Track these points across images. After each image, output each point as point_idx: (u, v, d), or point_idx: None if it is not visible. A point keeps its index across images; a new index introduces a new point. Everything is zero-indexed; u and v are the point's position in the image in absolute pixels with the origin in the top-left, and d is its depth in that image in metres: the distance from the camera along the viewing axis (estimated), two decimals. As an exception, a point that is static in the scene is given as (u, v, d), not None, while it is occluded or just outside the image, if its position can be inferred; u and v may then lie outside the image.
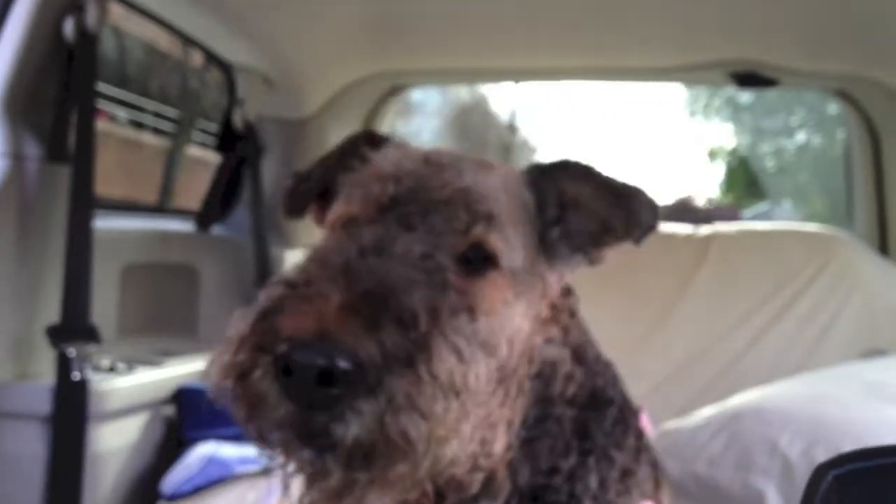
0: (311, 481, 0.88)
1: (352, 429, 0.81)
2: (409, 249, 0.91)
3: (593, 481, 1.09)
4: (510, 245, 1.00)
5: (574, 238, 1.10)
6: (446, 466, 0.89)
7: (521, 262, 1.01)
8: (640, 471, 1.14)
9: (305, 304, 0.84)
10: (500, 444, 1.05)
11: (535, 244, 1.05)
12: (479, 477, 1.04)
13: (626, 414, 1.17)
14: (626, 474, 1.12)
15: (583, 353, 1.16)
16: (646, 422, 1.24)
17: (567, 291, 1.15)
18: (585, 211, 1.08)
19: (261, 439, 0.89)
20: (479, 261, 0.97)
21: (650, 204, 1.07)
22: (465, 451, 0.91)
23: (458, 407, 0.86)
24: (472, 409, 0.89)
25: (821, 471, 1.01)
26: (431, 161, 1.04)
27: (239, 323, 0.88)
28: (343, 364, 0.79)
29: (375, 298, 0.84)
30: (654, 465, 1.19)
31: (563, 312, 1.13)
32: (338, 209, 1.04)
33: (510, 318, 0.99)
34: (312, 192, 1.16)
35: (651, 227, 1.07)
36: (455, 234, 0.96)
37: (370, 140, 1.16)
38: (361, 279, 0.86)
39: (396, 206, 0.97)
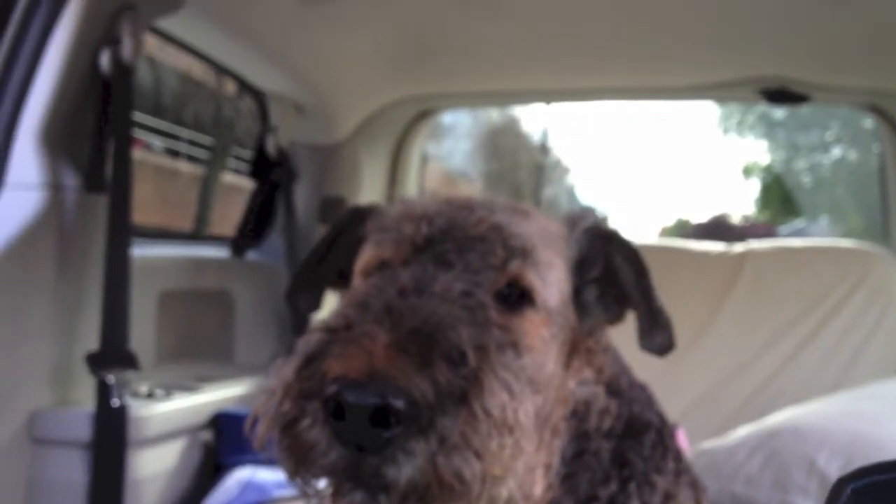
0: None
1: (405, 470, 0.79)
2: (448, 288, 0.90)
3: None
4: (546, 284, 0.99)
5: (606, 301, 1.10)
6: None
7: (555, 302, 1.00)
8: (682, 493, 1.13)
9: (352, 345, 0.82)
10: (539, 487, 1.04)
11: (570, 293, 1.05)
12: None
13: (665, 436, 1.16)
14: (668, 498, 1.11)
15: (617, 385, 1.15)
16: (682, 439, 1.23)
17: (601, 334, 1.15)
18: (622, 289, 1.09)
19: (309, 487, 0.88)
20: (515, 297, 0.96)
21: (668, 328, 1.08)
22: (519, 489, 0.89)
23: (511, 444, 0.85)
24: (524, 447, 0.88)
25: (840, 485, 1.00)
26: (459, 202, 1.04)
27: (281, 371, 0.87)
28: (397, 403, 0.78)
29: (423, 336, 0.83)
30: (695, 486, 1.18)
31: (596, 354, 1.13)
32: (367, 255, 1.04)
33: (548, 357, 0.99)
34: (321, 283, 1.18)
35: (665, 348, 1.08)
36: (492, 269, 0.95)
37: (361, 215, 1.15)
38: (406, 318, 0.84)
39: (431, 245, 0.96)
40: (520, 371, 0.89)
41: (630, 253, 1.09)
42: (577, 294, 1.06)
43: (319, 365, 0.83)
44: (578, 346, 1.08)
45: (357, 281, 1.05)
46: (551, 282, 1.00)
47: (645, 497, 1.09)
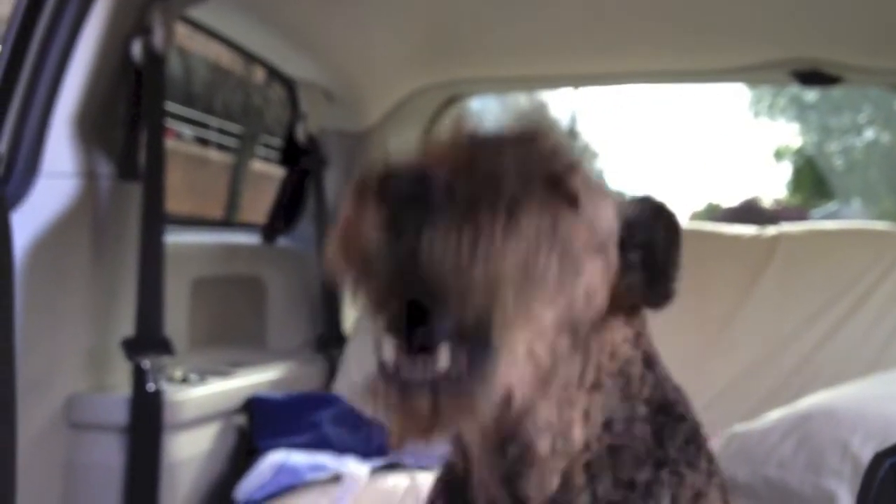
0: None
1: (441, 248, 0.77)
2: (498, 164, 0.86)
3: (666, 500, 1.06)
4: (592, 202, 0.95)
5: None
6: (542, 332, 0.86)
7: (602, 228, 0.97)
8: (712, 494, 1.11)
9: (405, 165, 0.82)
10: (577, 430, 1.01)
11: (616, 240, 1.02)
12: (558, 466, 1.00)
13: (699, 436, 1.14)
14: (699, 497, 1.08)
15: (653, 362, 1.14)
16: (714, 446, 1.21)
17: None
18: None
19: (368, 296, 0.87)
20: (560, 197, 0.92)
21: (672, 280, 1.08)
22: (526, 366, 0.87)
23: (530, 293, 0.82)
24: (540, 312, 0.85)
25: (879, 459, 1.00)
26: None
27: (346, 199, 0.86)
28: (438, 183, 0.78)
29: (475, 167, 0.82)
30: (724, 490, 1.16)
31: (634, 315, 1.12)
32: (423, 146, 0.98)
33: (591, 265, 0.95)
34: None
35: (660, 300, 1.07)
36: (544, 158, 0.92)
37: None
38: (461, 154, 0.84)
39: (484, 139, 0.92)
40: (558, 239, 0.86)
41: (671, 224, 1.09)
42: (622, 251, 1.05)
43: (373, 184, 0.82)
44: (619, 297, 1.06)
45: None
46: (601, 210, 0.98)
47: (675, 490, 1.07)
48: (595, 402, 1.03)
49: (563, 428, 1.00)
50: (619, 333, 1.06)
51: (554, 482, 1.01)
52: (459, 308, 0.80)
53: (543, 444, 0.99)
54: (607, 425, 1.04)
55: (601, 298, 0.99)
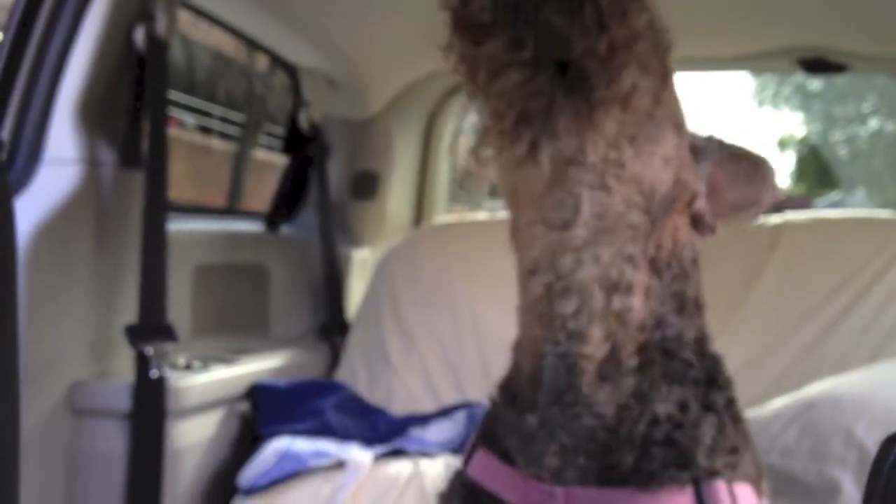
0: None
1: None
2: None
3: (707, 438, 1.02)
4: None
5: None
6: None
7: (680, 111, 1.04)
8: (746, 455, 1.10)
9: None
10: (636, 300, 1.00)
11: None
12: (609, 325, 0.99)
13: (738, 408, 1.14)
14: (734, 451, 1.05)
15: (701, 306, 1.11)
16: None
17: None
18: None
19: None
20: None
21: None
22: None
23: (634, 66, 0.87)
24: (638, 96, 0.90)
25: (890, 442, 1.00)
26: None
27: None
28: None
29: None
30: (756, 462, 1.15)
31: (699, 218, 1.11)
32: None
33: (670, 132, 1.01)
34: None
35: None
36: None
37: None
38: None
39: None
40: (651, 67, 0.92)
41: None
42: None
43: None
44: (689, 183, 1.06)
45: None
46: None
47: (716, 434, 1.03)
48: (653, 286, 1.02)
49: (623, 282, 0.99)
50: (682, 232, 1.07)
51: (603, 348, 1.00)
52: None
53: (600, 295, 0.98)
54: (660, 324, 1.03)
55: (672, 175, 1.02)
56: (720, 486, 1.01)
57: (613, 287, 0.98)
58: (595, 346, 0.99)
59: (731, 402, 1.09)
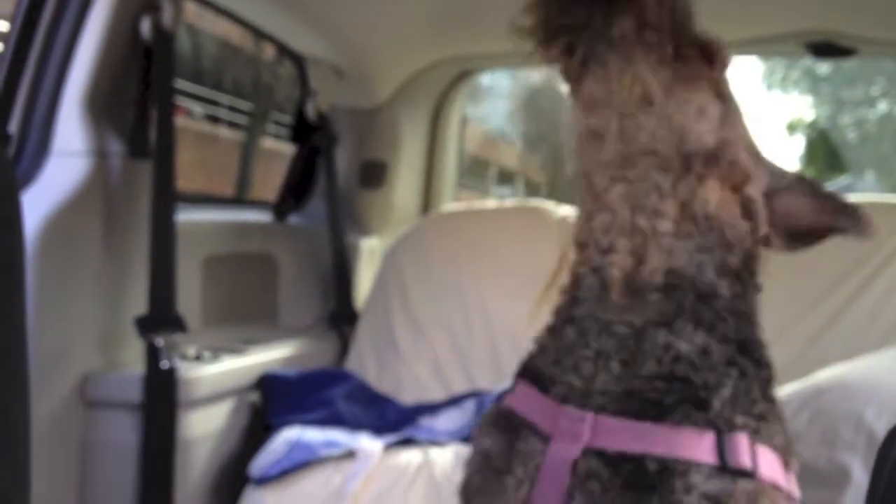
0: None
1: None
2: None
3: (727, 391, 1.06)
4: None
5: None
6: None
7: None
8: (775, 426, 1.09)
9: None
10: (664, 223, 1.09)
11: None
12: (634, 242, 1.08)
13: (773, 388, 1.15)
14: (760, 418, 1.08)
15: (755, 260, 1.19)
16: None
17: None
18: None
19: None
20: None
21: None
22: None
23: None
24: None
25: (893, 435, 1.00)
26: None
27: None
28: None
29: None
30: (788, 436, 1.15)
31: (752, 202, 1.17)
32: None
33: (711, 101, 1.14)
34: None
35: None
36: None
37: None
38: None
39: None
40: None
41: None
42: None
43: None
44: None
45: None
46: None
47: (738, 391, 1.07)
48: (687, 229, 1.09)
49: (649, 209, 1.08)
50: (728, 206, 1.12)
51: (629, 260, 1.08)
52: None
53: (626, 212, 1.08)
54: (696, 266, 1.09)
55: (711, 131, 1.12)
56: (742, 439, 1.03)
57: (639, 207, 1.07)
58: (622, 257, 1.07)
59: (766, 381, 1.12)
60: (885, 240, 2.43)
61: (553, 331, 1.16)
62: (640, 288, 1.07)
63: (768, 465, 1.05)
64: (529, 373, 1.17)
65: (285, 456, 2.04)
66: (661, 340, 1.06)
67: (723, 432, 1.03)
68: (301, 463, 2.02)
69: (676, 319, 1.07)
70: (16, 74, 1.95)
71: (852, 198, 2.66)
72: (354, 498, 1.95)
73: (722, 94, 1.17)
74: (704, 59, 1.17)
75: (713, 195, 1.11)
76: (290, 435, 2.11)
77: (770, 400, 1.12)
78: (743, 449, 1.03)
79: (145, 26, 2.02)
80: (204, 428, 2.09)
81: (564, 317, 1.14)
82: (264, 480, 2.01)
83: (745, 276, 1.16)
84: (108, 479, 1.97)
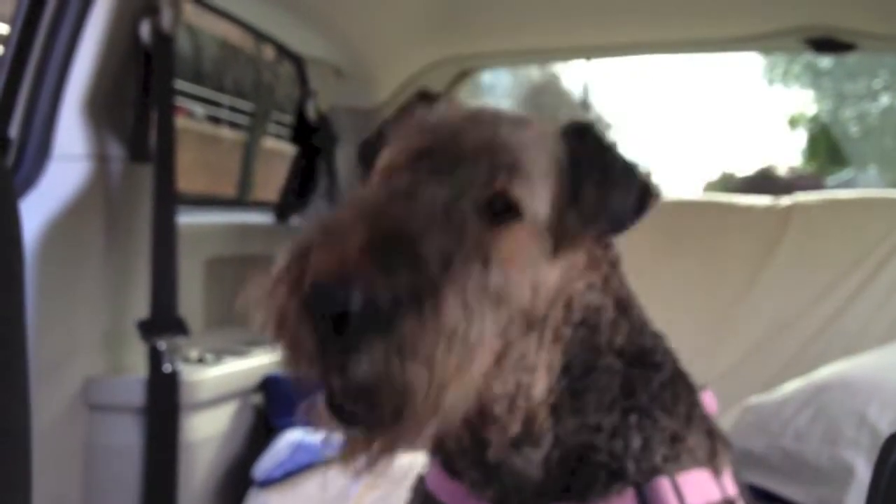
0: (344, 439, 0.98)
1: (359, 369, 0.85)
2: (434, 196, 0.95)
3: (636, 441, 1.08)
4: (535, 195, 1.01)
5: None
6: (451, 412, 0.91)
7: (546, 211, 1.02)
8: (692, 437, 1.12)
9: (329, 245, 0.88)
10: (539, 386, 1.07)
11: (567, 197, 1.05)
12: (518, 416, 1.07)
13: (678, 383, 1.16)
14: (675, 439, 1.10)
15: (626, 307, 1.15)
16: (708, 399, 1.21)
17: (606, 244, 1.15)
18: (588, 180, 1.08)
19: (300, 375, 0.95)
20: (502, 211, 0.99)
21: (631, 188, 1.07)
22: (473, 398, 0.95)
23: (461, 353, 0.88)
24: (477, 357, 0.91)
25: (893, 440, 1.00)
26: (471, 116, 1.07)
27: (277, 263, 0.95)
28: (354, 306, 0.83)
29: (394, 241, 0.88)
30: (711, 435, 1.16)
31: (602, 262, 1.13)
32: (383, 158, 1.08)
33: (533, 267, 1.01)
34: (376, 146, 1.16)
35: (623, 219, 1.06)
36: (479, 184, 0.98)
37: (425, 98, 1.20)
38: (384, 221, 0.90)
39: (430, 155, 1.01)
40: (483, 285, 0.93)
41: (605, 144, 1.09)
42: (577, 197, 1.06)
43: (304, 261, 0.90)
44: (581, 250, 1.09)
45: (372, 181, 1.10)
46: (542, 192, 1.02)
47: (647, 433, 1.09)
48: (556, 352, 1.08)
49: (525, 391, 1.06)
50: (578, 283, 1.09)
51: (514, 429, 1.07)
52: (379, 407, 0.89)
53: (500, 407, 1.06)
54: (567, 370, 1.09)
55: (556, 277, 1.05)
56: (662, 484, 1.06)
57: (512, 398, 1.06)
58: (503, 434, 1.08)
59: (664, 386, 1.13)
60: (887, 234, 2.43)
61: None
62: (525, 441, 1.09)
63: (696, 491, 1.08)
64: (441, 451, 1.19)
65: (288, 458, 2.04)
66: (556, 455, 1.09)
67: (643, 485, 1.06)
68: (304, 465, 2.02)
69: (564, 432, 1.09)
70: (16, 78, 1.95)
71: (854, 193, 2.68)
72: (357, 500, 1.95)
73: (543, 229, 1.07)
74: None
75: (566, 296, 1.10)
76: (294, 437, 2.11)
77: (677, 401, 1.14)
78: (665, 494, 1.06)
79: (145, 29, 2.02)
80: (207, 430, 2.10)
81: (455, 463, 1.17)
82: (268, 483, 2.01)
83: (622, 304, 1.15)
84: (112, 482, 1.97)
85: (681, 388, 1.15)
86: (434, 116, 1.09)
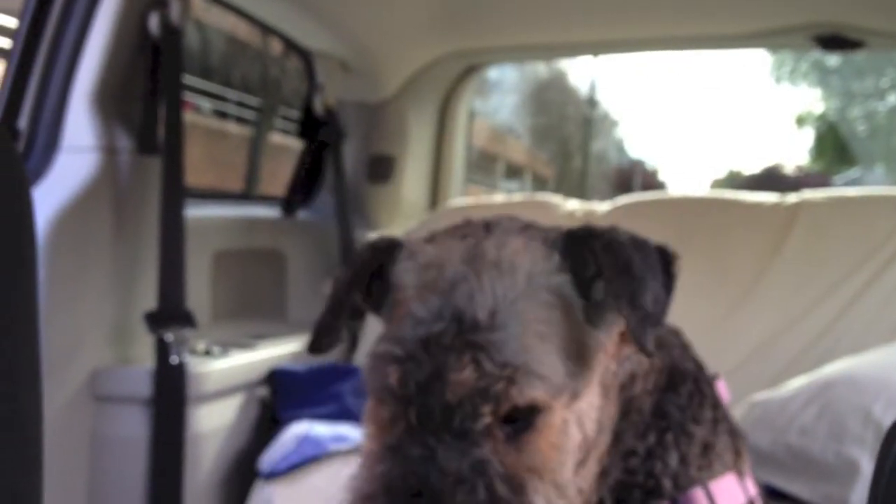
0: None
1: None
2: (448, 464, 0.91)
3: (673, 459, 1.10)
4: (547, 368, 0.96)
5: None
6: None
7: (563, 371, 0.97)
8: (720, 442, 1.14)
9: None
10: (590, 478, 1.07)
11: (580, 320, 1.02)
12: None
13: (702, 384, 1.16)
14: (707, 448, 1.12)
15: (661, 345, 1.14)
16: (723, 389, 1.22)
17: None
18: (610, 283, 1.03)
19: None
20: (522, 415, 0.95)
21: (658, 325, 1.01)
22: None
23: None
24: None
25: (893, 432, 1.00)
26: (443, 314, 0.97)
27: None
28: None
29: None
30: (733, 434, 1.18)
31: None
32: (368, 406, 1.04)
33: (577, 424, 1.00)
34: (336, 328, 1.13)
35: (647, 319, 0.99)
36: (486, 417, 0.93)
37: (381, 250, 1.11)
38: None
39: (421, 402, 0.95)
40: (541, 492, 0.94)
41: (607, 244, 1.03)
42: (587, 299, 1.03)
43: None
44: (608, 347, 1.05)
45: (370, 416, 1.04)
46: (551, 357, 0.97)
47: (683, 448, 1.11)
48: (604, 439, 1.09)
49: (581, 484, 1.05)
50: (613, 368, 1.08)
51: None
52: None
53: None
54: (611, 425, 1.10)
55: (598, 401, 1.04)
56: (697, 496, 1.09)
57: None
58: None
59: (692, 395, 1.14)
60: (893, 234, 2.42)
61: None
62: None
63: (726, 497, 1.11)
64: None
65: (294, 451, 2.05)
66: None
67: (677, 500, 1.09)
68: (310, 458, 2.02)
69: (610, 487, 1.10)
70: (24, 71, 1.96)
71: (862, 191, 2.67)
72: (364, 492, 1.95)
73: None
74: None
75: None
76: (299, 430, 2.11)
77: (704, 410, 1.15)
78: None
79: (153, 22, 2.03)
80: (213, 422, 2.10)
81: None
82: (274, 475, 2.02)
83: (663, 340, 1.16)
84: (119, 473, 1.98)
85: (705, 388, 1.16)
86: (397, 342, 0.99)
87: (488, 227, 1.08)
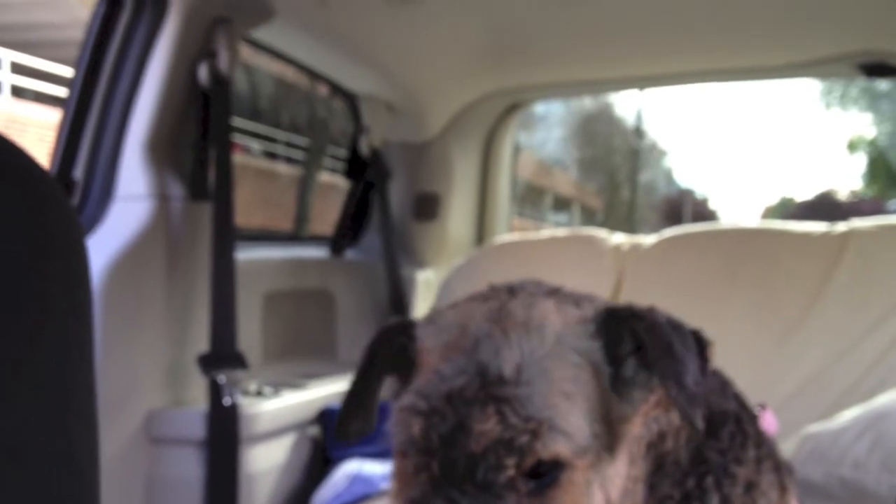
0: None
1: None
2: None
3: (714, 501, 1.08)
4: (572, 426, 0.96)
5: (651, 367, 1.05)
6: None
7: (588, 432, 0.97)
8: (764, 480, 1.12)
9: None
10: None
11: (607, 388, 1.02)
12: None
13: (744, 422, 1.15)
14: (751, 487, 1.11)
15: None
16: (769, 421, 1.20)
17: None
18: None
19: None
20: (545, 470, 0.94)
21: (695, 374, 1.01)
22: None
23: None
24: None
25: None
26: (467, 369, 0.97)
27: None
28: None
29: None
30: (779, 470, 1.16)
31: (658, 395, 1.09)
32: (394, 461, 1.05)
33: (601, 487, 0.99)
34: (362, 416, 1.17)
35: (693, 398, 1.00)
36: (510, 470, 0.93)
37: (397, 332, 1.12)
38: None
39: (445, 465, 0.95)
40: None
41: (651, 326, 1.02)
42: (617, 372, 1.03)
43: None
44: (634, 421, 1.06)
45: (393, 481, 1.05)
46: (575, 413, 0.97)
47: (725, 490, 1.09)
48: (638, 488, 1.09)
49: None
50: (638, 430, 1.08)
51: None
52: None
53: None
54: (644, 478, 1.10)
55: (624, 468, 1.04)
56: None
57: None
58: None
59: (733, 436, 1.13)
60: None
61: None
62: None
63: None
64: None
65: (346, 489, 2.06)
66: None
67: None
68: (362, 496, 2.04)
69: None
70: (80, 121, 2.02)
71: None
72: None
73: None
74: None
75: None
76: (351, 468, 2.13)
77: (747, 451, 1.13)
78: None
79: (203, 72, 2.08)
80: (266, 462, 2.13)
81: None
82: (326, 514, 2.03)
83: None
84: (175, 514, 2.01)
85: (747, 427, 1.15)
86: (421, 395, 0.99)
87: (512, 290, 1.08)
